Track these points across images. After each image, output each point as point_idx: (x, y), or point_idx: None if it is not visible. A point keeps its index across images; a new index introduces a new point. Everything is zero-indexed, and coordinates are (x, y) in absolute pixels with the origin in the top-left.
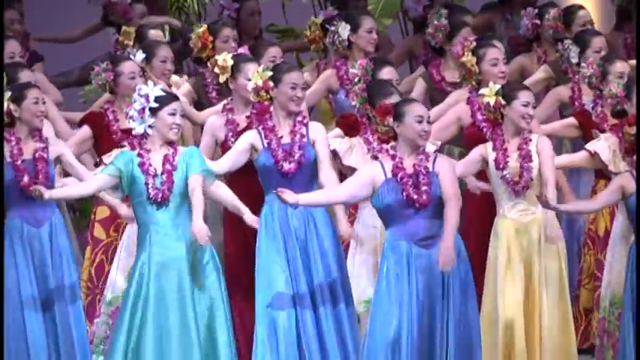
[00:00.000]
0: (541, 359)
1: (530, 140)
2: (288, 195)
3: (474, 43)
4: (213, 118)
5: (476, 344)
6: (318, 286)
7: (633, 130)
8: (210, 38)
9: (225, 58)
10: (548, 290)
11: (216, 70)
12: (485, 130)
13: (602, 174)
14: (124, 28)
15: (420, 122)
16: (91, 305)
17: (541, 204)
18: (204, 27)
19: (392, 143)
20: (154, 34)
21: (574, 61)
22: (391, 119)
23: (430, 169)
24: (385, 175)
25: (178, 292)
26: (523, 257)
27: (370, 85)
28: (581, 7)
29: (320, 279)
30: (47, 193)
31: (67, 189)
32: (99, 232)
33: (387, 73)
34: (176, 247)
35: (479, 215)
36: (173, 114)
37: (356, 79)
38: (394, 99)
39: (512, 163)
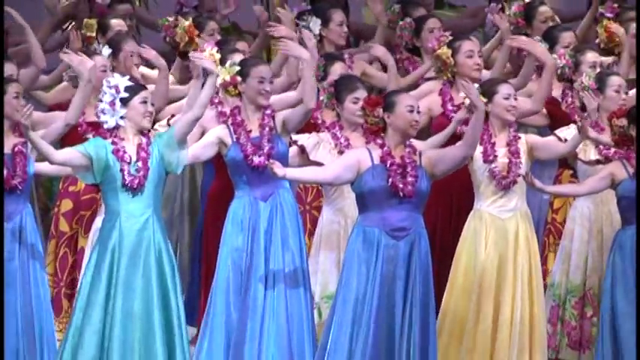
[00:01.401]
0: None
1: (519, 138)
2: (278, 167)
3: (450, 37)
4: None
5: (433, 343)
6: (276, 277)
7: (622, 122)
8: (197, 32)
9: (212, 52)
10: (533, 289)
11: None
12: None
13: (566, 163)
14: (85, 20)
15: (411, 112)
16: (57, 298)
17: (527, 184)
18: (190, 21)
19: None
20: (116, 23)
21: None
22: (381, 110)
23: (418, 164)
24: (372, 161)
25: (144, 279)
26: (500, 254)
27: (337, 81)
28: (542, 3)
29: (279, 270)
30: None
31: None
32: (63, 225)
33: (338, 68)
34: (145, 235)
35: (447, 213)
36: (144, 102)
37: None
38: (360, 94)
39: (500, 158)
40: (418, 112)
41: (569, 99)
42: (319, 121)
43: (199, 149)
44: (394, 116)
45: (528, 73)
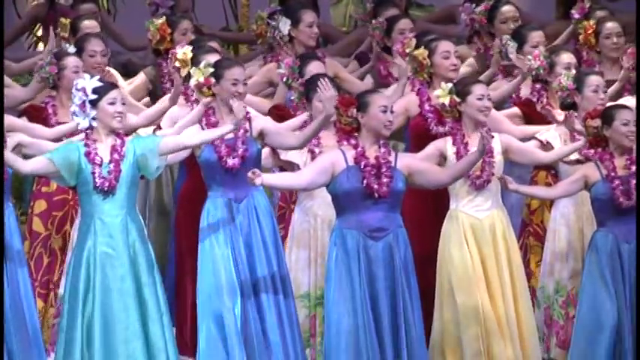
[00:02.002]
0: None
1: (492, 137)
2: (258, 176)
3: (414, 40)
4: (176, 109)
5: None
6: (261, 279)
7: (596, 122)
8: (169, 30)
9: (185, 52)
10: (516, 283)
11: (177, 63)
12: (430, 121)
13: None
14: (61, 20)
15: (385, 112)
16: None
17: (502, 186)
18: (163, 19)
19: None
20: (87, 24)
21: (512, 56)
22: (355, 110)
23: (392, 164)
24: (347, 162)
25: (122, 282)
26: (480, 252)
27: (307, 80)
28: (507, 3)
29: (263, 272)
30: None
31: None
32: (37, 225)
33: (314, 68)
34: (120, 237)
35: (420, 215)
36: (113, 103)
37: (284, 79)
38: (329, 93)
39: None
40: (392, 112)
41: (545, 99)
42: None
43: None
44: (367, 117)
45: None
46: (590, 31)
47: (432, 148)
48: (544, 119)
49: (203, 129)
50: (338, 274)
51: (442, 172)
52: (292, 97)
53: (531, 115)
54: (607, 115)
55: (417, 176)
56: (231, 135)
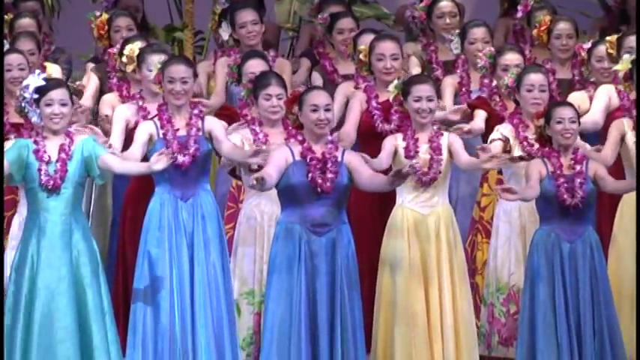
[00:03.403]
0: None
1: (442, 135)
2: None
3: (352, 42)
4: (124, 106)
5: (360, 338)
6: (199, 279)
7: (541, 122)
8: (106, 28)
9: (132, 48)
10: (456, 281)
11: (124, 59)
12: (376, 118)
13: None
14: (5, 17)
15: (314, 111)
16: None
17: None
18: (103, 15)
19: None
20: (24, 23)
21: (456, 52)
22: (297, 107)
23: (339, 160)
24: (294, 157)
25: (61, 282)
26: (421, 248)
27: (255, 77)
28: None
29: (202, 272)
30: None
31: None
32: None
33: (252, 65)
34: (63, 237)
35: (366, 211)
36: (50, 104)
37: (228, 79)
38: (272, 90)
39: (422, 154)
40: (326, 110)
41: (497, 98)
42: (248, 118)
43: (140, 149)
44: (302, 115)
45: None
46: (543, 28)
47: (389, 145)
48: (498, 115)
49: (155, 125)
50: (279, 268)
51: (368, 179)
52: (242, 94)
53: (492, 113)
54: (547, 114)
55: (353, 174)
56: (183, 132)
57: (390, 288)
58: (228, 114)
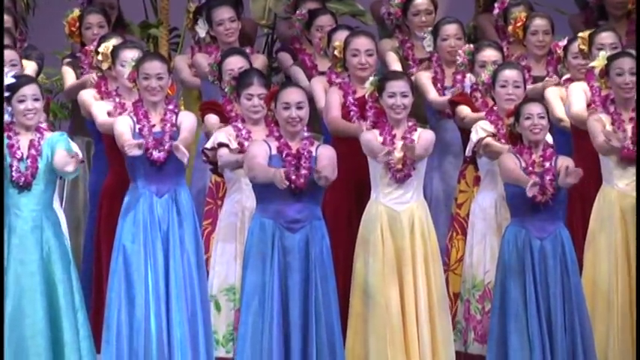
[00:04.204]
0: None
1: (415, 130)
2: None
3: (326, 37)
4: (103, 102)
5: (338, 334)
6: (174, 275)
7: (511, 120)
8: (77, 24)
9: (107, 46)
10: (431, 277)
11: (99, 57)
12: (352, 114)
13: (473, 159)
14: None
15: (286, 109)
16: None
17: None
18: (75, 12)
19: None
20: None
21: (428, 49)
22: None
23: (313, 155)
24: (270, 152)
25: (31, 278)
26: (395, 244)
27: (239, 75)
28: None
29: (177, 268)
30: None
31: None
32: None
33: (232, 63)
34: (34, 233)
35: (342, 206)
36: (22, 100)
37: (209, 77)
38: (253, 90)
39: (397, 151)
40: (300, 109)
41: (478, 94)
42: (233, 114)
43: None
44: (276, 112)
45: None
46: (519, 24)
47: (372, 136)
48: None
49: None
50: (253, 263)
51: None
52: (226, 91)
53: (474, 109)
54: (517, 111)
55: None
56: (158, 128)
57: (364, 283)
58: (218, 110)
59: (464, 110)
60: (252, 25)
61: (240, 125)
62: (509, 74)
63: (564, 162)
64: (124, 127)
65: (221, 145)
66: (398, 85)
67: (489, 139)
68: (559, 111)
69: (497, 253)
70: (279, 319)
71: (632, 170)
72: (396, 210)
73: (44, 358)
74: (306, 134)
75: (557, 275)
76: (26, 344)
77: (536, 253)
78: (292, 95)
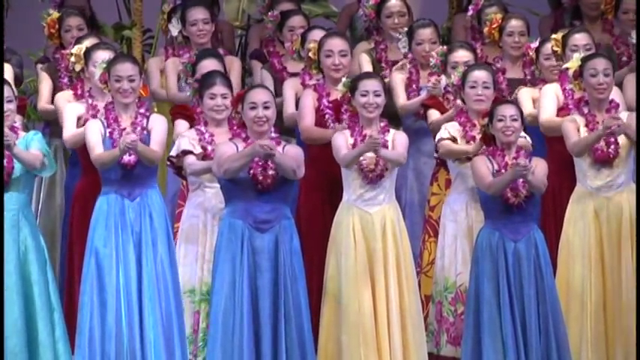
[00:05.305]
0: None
1: (388, 131)
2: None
3: (299, 38)
4: (75, 103)
5: (307, 329)
6: (147, 278)
7: (485, 121)
8: (57, 26)
9: (79, 47)
10: (403, 280)
11: (73, 58)
12: (328, 117)
13: (443, 161)
14: None
15: (253, 109)
16: None
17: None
18: (55, 14)
19: None
20: None
21: (403, 51)
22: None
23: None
24: (238, 152)
25: (8, 278)
26: (367, 245)
27: (201, 77)
28: None
29: (150, 271)
30: None
31: None
32: None
33: (205, 67)
34: (11, 233)
35: (314, 205)
36: None
37: (182, 77)
38: (216, 90)
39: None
40: (265, 108)
41: (451, 96)
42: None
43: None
44: (243, 113)
45: None
46: (495, 25)
47: (343, 140)
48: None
49: (102, 123)
50: (223, 263)
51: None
52: (188, 94)
53: (438, 108)
54: (490, 113)
55: None
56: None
57: (336, 286)
58: (188, 114)
59: (432, 115)
60: (230, 28)
61: (202, 128)
62: (479, 75)
63: (538, 163)
64: (94, 135)
65: (185, 152)
66: (371, 84)
67: (446, 142)
68: (527, 109)
69: (468, 256)
70: (250, 319)
71: (606, 171)
72: (368, 212)
73: (20, 358)
74: (273, 135)
75: (532, 277)
76: (2, 344)
77: (510, 256)
78: (259, 95)
